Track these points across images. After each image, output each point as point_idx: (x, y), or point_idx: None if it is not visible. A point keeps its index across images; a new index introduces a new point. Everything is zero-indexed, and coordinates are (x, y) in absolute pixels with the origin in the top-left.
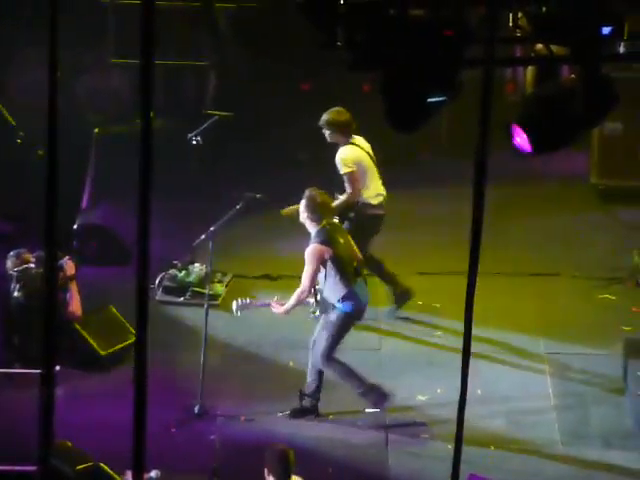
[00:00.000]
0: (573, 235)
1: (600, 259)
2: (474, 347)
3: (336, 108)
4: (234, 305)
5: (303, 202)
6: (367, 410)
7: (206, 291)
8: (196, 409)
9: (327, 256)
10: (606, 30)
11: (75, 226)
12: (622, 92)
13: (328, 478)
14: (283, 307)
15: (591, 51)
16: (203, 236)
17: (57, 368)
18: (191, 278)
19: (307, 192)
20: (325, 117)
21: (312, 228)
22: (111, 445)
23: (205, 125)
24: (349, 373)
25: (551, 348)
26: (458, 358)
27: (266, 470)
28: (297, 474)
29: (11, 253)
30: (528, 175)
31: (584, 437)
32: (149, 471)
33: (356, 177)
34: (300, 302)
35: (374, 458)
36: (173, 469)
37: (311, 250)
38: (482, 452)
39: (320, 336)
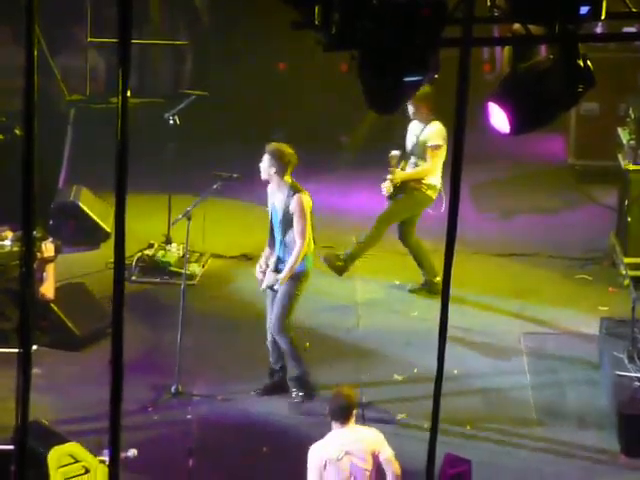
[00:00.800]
0: (550, 215)
1: (577, 239)
2: (451, 327)
3: (425, 85)
4: (258, 275)
5: (268, 157)
6: (292, 395)
7: (183, 271)
8: (173, 389)
9: (310, 209)
10: (584, 10)
11: (52, 205)
12: (598, 72)
13: (303, 458)
14: (286, 271)
15: (568, 31)
16: (180, 216)
17: (34, 347)
18: (168, 258)
19: (270, 146)
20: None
21: (281, 184)
22: (88, 425)
23: (182, 105)
24: (298, 352)
25: (527, 328)
26: (435, 338)
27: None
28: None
29: None
30: (505, 155)
31: (560, 416)
32: (126, 450)
33: (442, 154)
34: (298, 263)
35: None
36: (150, 448)
37: (300, 200)
38: (459, 431)
39: (275, 305)
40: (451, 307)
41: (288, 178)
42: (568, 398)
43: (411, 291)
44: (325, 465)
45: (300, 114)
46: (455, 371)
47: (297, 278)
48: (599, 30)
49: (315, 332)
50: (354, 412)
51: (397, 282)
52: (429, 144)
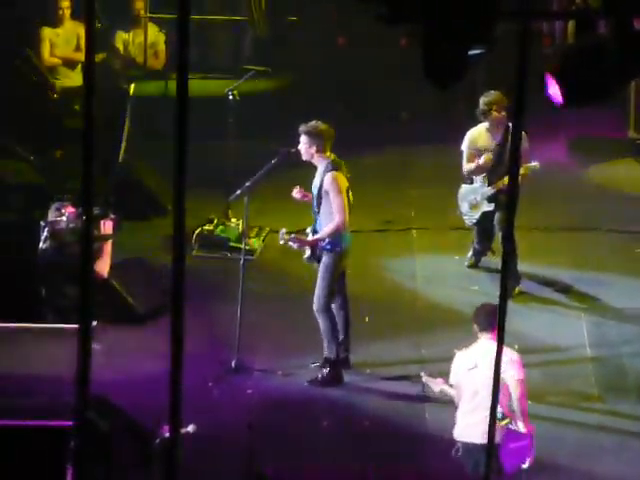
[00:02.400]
0: (611, 189)
1: (637, 213)
2: (512, 300)
3: (496, 91)
4: (280, 233)
5: (306, 137)
6: (311, 364)
7: (242, 246)
8: (233, 363)
9: (346, 186)
10: None
11: (112, 181)
12: None
13: (364, 431)
14: (315, 236)
15: (622, 3)
16: (239, 191)
17: (94, 323)
18: (227, 233)
19: (307, 125)
20: (489, 98)
21: (322, 161)
22: (148, 400)
23: (242, 80)
24: (333, 333)
25: (587, 302)
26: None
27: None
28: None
29: (55, 204)
30: (565, 128)
31: (620, 390)
32: (186, 425)
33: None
34: (333, 235)
35: (411, 411)
36: (210, 423)
37: (334, 178)
38: None
39: (317, 282)
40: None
41: (329, 154)
42: (629, 372)
43: (469, 266)
44: (461, 372)
45: (360, 90)
46: (515, 345)
47: (336, 255)
48: None
49: (374, 307)
50: (495, 327)
51: (457, 257)
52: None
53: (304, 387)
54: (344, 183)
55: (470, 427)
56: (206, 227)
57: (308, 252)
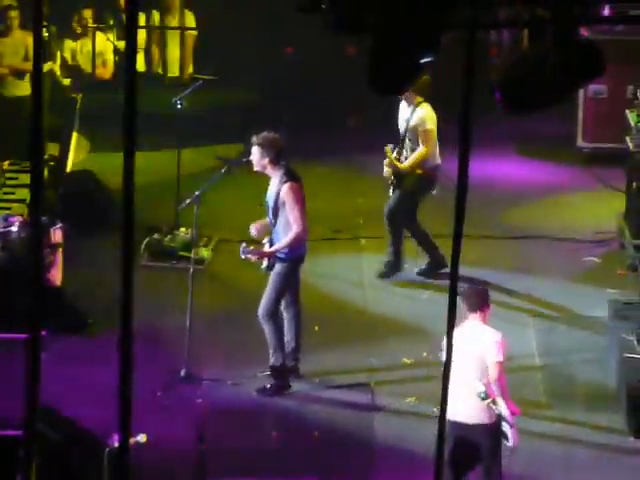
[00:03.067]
0: (559, 198)
1: (585, 222)
2: (459, 310)
3: (425, 73)
4: (241, 248)
5: (258, 148)
6: (259, 374)
7: (191, 255)
8: (182, 373)
9: (302, 195)
10: None
11: (60, 191)
12: (607, 55)
13: (314, 441)
14: (272, 247)
15: (566, 14)
16: (188, 200)
17: (43, 333)
18: (176, 243)
19: (259, 137)
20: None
21: (276, 171)
22: (97, 409)
23: (190, 89)
24: (278, 341)
25: (536, 310)
26: (444, 321)
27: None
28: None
29: (1, 215)
30: (513, 138)
31: (569, 398)
32: (135, 435)
33: (434, 137)
34: (292, 245)
35: (360, 420)
36: (159, 433)
37: (290, 188)
38: None
39: (267, 287)
40: (460, 290)
41: (280, 165)
42: (577, 380)
43: (419, 273)
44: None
45: (307, 97)
46: None
47: (289, 264)
48: (606, 12)
49: (324, 316)
50: (482, 308)
51: (405, 265)
52: (420, 129)
53: (253, 396)
54: (300, 192)
55: (458, 406)
56: (155, 236)
57: (265, 263)
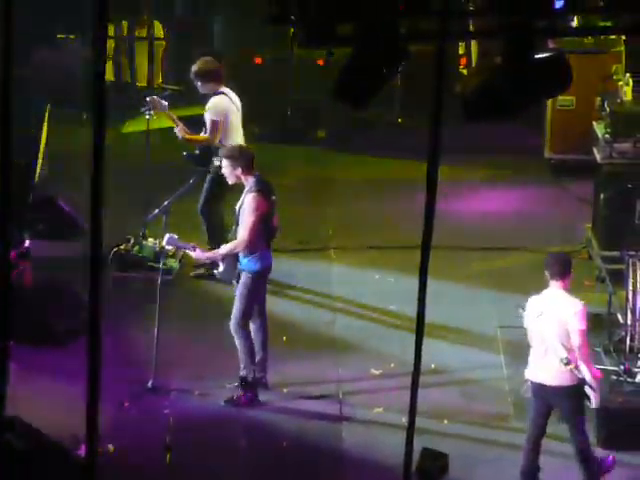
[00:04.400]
0: (526, 208)
1: (553, 232)
2: (427, 321)
3: (205, 58)
4: (165, 237)
5: (228, 161)
6: (227, 385)
7: (160, 266)
8: (149, 384)
9: (264, 208)
10: (559, 4)
11: (28, 200)
12: (574, 67)
13: (282, 451)
14: (209, 253)
15: (521, 24)
16: (157, 210)
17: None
18: (144, 253)
19: (229, 149)
20: (194, 68)
21: (248, 180)
22: (65, 419)
23: (164, 93)
24: (249, 352)
25: (504, 321)
26: (412, 332)
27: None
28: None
29: None
30: (481, 148)
31: None
32: (104, 445)
33: (218, 127)
34: (231, 252)
35: (328, 431)
36: (127, 443)
37: (252, 198)
38: (436, 425)
39: (234, 305)
40: (428, 301)
41: (253, 175)
42: None
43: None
44: (531, 318)
45: (274, 108)
46: (432, 365)
47: (255, 275)
48: (574, 24)
49: (292, 326)
50: (564, 276)
51: (376, 276)
52: (206, 119)
53: (221, 407)
54: (262, 205)
55: (541, 369)
56: (123, 247)
57: (221, 267)
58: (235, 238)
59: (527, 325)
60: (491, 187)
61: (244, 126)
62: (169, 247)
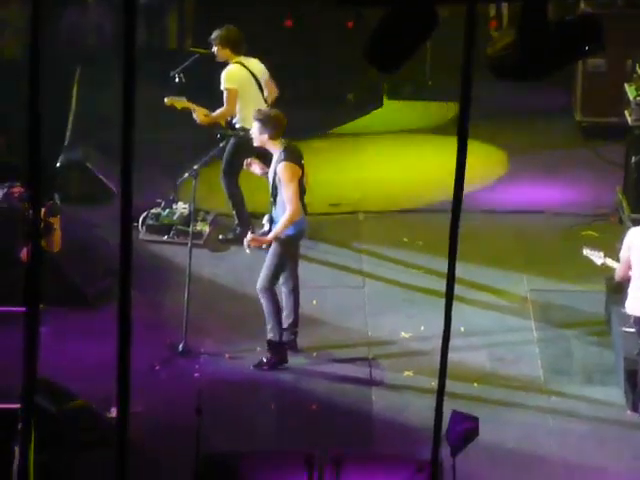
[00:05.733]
0: (557, 172)
1: (584, 196)
2: (457, 284)
3: (227, 26)
4: (245, 242)
5: (258, 124)
6: (258, 349)
7: (190, 230)
8: (180, 347)
9: (299, 174)
10: None
11: (58, 164)
12: (606, 28)
13: (312, 414)
14: (271, 233)
15: None
16: (186, 174)
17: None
18: (174, 217)
19: (259, 112)
20: (215, 34)
21: (276, 147)
22: (96, 383)
23: (187, 62)
24: (276, 315)
25: (534, 285)
26: (441, 295)
27: None
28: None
29: (1, 186)
30: (511, 110)
31: (566, 372)
32: (134, 408)
33: (233, 95)
34: (286, 228)
35: (358, 394)
36: (158, 406)
37: (286, 167)
38: (465, 388)
39: (264, 264)
40: (458, 264)
41: (280, 142)
42: (574, 354)
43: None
44: (630, 247)
45: (304, 71)
46: (462, 328)
47: (286, 241)
48: None
49: (321, 290)
50: None
51: (405, 239)
52: (221, 88)
53: (251, 370)
54: (296, 172)
55: (633, 300)
56: (153, 210)
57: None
58: (274, 209)
59: (625, 257)
60: (521, 150)
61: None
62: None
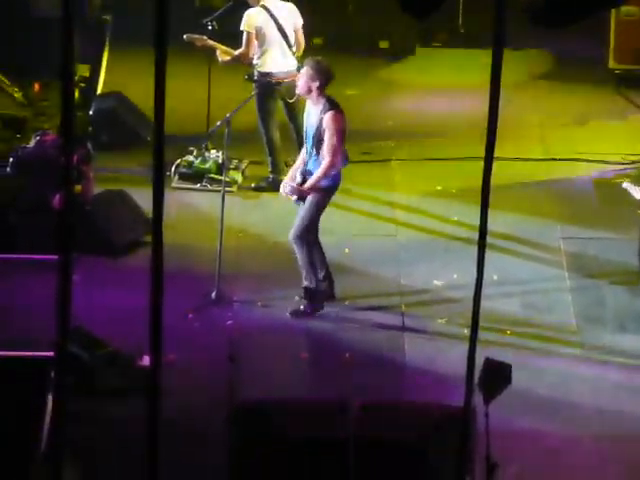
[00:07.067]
0: (590, 119)
1: (616, 143)
2: (490, 233)
3: None
4: (282, 188)
5: (311, 71)
6: (296, 298)
7: (222, 178)
8: (213, 295)
9: (345, 126)
10: None
11: (90, 112)
12: None
13: (345, 363)
14: (309, 183)
15: None
16: (219, 122)
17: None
18: (207, 165)
19: (313, 59)
20: None
21: (320, 98)
22: (128, 331)
23: (221, 10)
24: (310, 263)
25: (567, 233)
26: (474, 244)
27: None
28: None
29: (36, 134)
30: (547, 55)
31: (599, 321)
32: (166, 356)
33: (249, 38)
34: (322, 179)
35: (390, 342)
36: (190, 354)
37: (334, 117)
38: (498, 336)
39: (299, 213)
40: (490, 212)
41: (324, 95)
42: (607, 303)
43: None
44: None
45: (337, 20)
46: (495, 277)
47: (325, 191)
48: None
49: (354, 238)
50: None
51: (438, 187)
52: (240, 29)
53: (283, 318)
54: (343, 123)
55: None
56: (185, 158)
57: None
58: (310, 158)
59: None
60: (554, 98)
61: (305, 37)
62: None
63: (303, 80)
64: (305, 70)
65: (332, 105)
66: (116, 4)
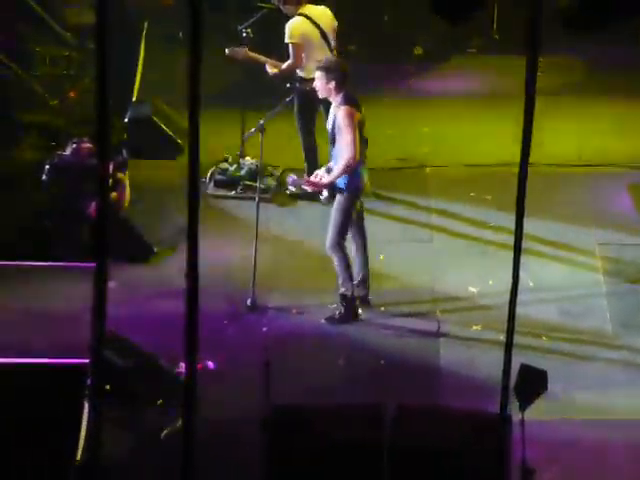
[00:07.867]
0: (625, 123)
1: None
2: (525, 238)
3: None
4: (288, 180)
5: (323, 73)
6: (330, 306)
7: (257, 185)
8: (248, 302)
9: (358, 119)
10: None
11: (126, 119)
12: None
13: (380, 369)
14: (327, 178)
15: None
16: (253, 129)
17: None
18: (242, 172)
19: (325, 61)
20: None
21: (340, 94)
22: (164, 337)
23: (255, 17)
24: (346, 269)
25: (604, 237)
26: (510, 250)
27: None
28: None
29: (72, 141)
30: (580, 62)
31: (635, 326)
32: (202, 363)
33: (298, 50)
34: (346, 173)
35: (426, 348)
36: (225, 361)
37: (345, 111)
38: (534, 342)
39: (330, 221)
40: (525, 219)
41: (344, 89)
42: None
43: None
44: None
45: (370, 26)
46: (530, 282)
47: (351, 194)
48: None
49: (389, 245)
50: None
51: (472, 193)
52: (285, 41)
53: (318, 324)
54: (355, 116)
55: None
56: (220, 165)
57: (325, 193)
58: (332, 159)
59: None
60: (589, 106)
61: (338, 41)
62: (293, 188)
63: (320, 84)
64: (318, 75)
65: (346, 100)
66: (150, 10)
